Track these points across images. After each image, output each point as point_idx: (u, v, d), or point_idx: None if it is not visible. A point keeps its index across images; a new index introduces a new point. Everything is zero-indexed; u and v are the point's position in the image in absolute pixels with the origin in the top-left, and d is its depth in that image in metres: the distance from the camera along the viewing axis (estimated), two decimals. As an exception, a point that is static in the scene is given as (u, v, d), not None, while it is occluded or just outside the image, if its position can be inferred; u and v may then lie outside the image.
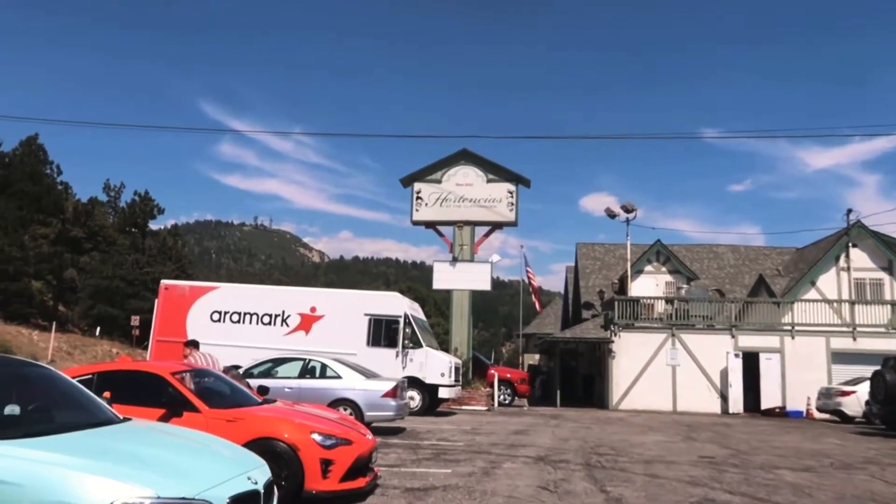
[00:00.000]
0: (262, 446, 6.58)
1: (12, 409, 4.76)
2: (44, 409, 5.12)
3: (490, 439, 13.45)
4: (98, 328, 41.35)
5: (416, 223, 25.60)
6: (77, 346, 35.24)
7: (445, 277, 24.65)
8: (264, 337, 18.51)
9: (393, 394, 13.14)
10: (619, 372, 25.73)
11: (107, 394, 6.40)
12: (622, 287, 31.68)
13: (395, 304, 18.92)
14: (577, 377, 31.65)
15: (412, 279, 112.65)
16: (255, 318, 19.15)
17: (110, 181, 58.25)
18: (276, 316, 19.15)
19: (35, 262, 45.15)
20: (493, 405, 22.64)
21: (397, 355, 18.14)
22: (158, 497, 3.89)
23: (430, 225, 25.58)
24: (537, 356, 44.85)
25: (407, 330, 18.31)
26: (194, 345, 10.96)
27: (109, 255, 49.72)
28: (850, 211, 29.69)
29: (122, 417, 5.40)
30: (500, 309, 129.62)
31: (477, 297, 29.23)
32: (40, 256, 46.28)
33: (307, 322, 19.03)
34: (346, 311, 18.81)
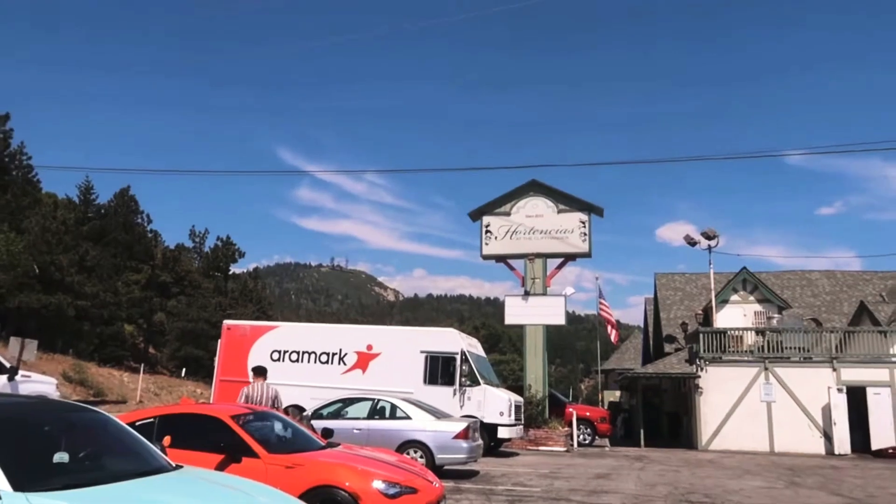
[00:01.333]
0: (322, 495, 6.28)
1: (61, 458, 4.57)
2: (94, 457, 4.93)
3: (570, 484, 12.66)
4: (184, 369, 42.73)
5: (486, 257, 25.15)
6: (164, 388, 36.43)
7: (518, 312, 23.99)
8: (322, 376, 18.45)
9: (465, 435, 12.60)
10: (708, 409, 24.16)
11: (167, 439, 6.24)
12: (706, 318, 30.05)
13: (451, 340, 18.50)
14: (661, 415, 30.03)
15: (486, 315, 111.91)
16: (313, 356, 19.18)
17: (195, 227, 60.70)
18: (334, 354, 19.10)
19: (127, 307, 47.33)
20: (572, 446, 21.64)
21: (454, 393, 17.63)
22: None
23: (501, 259, 25.08)
24: (618, 393, 43.11)
25: (464, 367, 17.82)
26: (260, 373, 10.78)
27: (195, 299, 51.63)
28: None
29: (173, 465, 5.16)
30: (577, 344, 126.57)
31: (552, 331, 28.35)
32: (132, 301, 48.50)
33: (364, 360, 18.85)
34: (403, 348, 18.53)
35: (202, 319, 47.32)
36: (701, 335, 25.44)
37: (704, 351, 24.85)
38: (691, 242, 29.01)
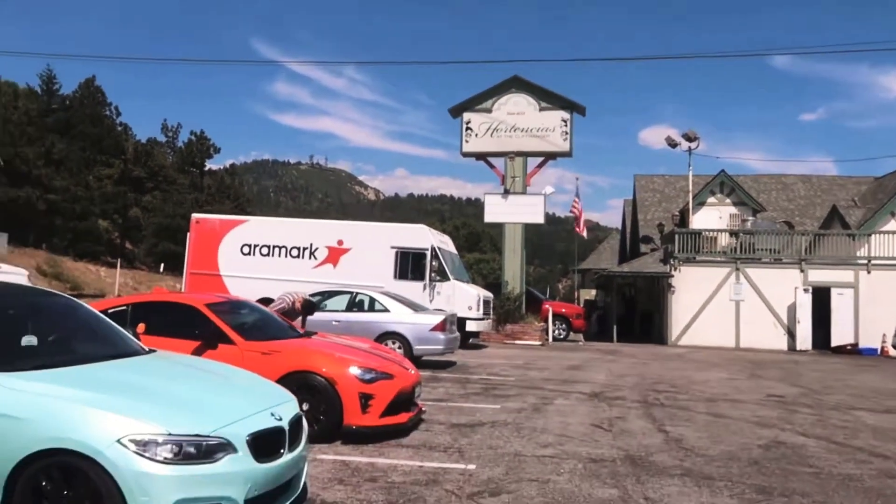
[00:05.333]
0: (298, 380, 6.33)
1: (29, 340, 4.50)
2: (63, 341, 4.86)
3: (543, 374, 13.06)
4: (162, 265, 42.61)
5: (465, 155, 24.78)
6: (142, 282, 36.42)
7: (497, 210, 23.95)
8: (293, 270, 18.51)
9: (442, 327, 12.81)
10: (680, 307, 24.84)
11: (141, 326, 6.17)
12: (683, 220, 30.36)
13: (421, 236, 18.54)
14: (634, 313, 30.87)
15: (467, 215, 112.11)
16: (283, 251, 19.17)
17: (167, 122, 58.97)
18: (304, 249, 19.11)
19: (101, 202, 46.53)
20: (547, 340, 22.25)
21: (424, 288, 17.84)
22: (169, 434, 3.57)
23: (481, 157, 24.74)
24: (594, 292, 44.09)
25: (434, 263, 17.96)
26: (309, 309, 10.26)
27: (170, 194, 50.83)
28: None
29: (146, 349, 5.12)
30: (556, 245, 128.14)
31: (531, 231, 28.51)
32: (105, 196, 47.63)
33: (335, 255, 18.89)
34: (373, 244, 18.56)
35: (178, 215, 46.69)
36: (676, 236, 25.75)
37: (679, 251, 25.23)
38: (672, 144, 28.83)
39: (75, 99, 49.82)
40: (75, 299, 5.62)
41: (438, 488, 5.16)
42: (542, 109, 24.18)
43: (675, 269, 25.09)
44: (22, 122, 37.29)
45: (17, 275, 13.70)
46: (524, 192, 23.97)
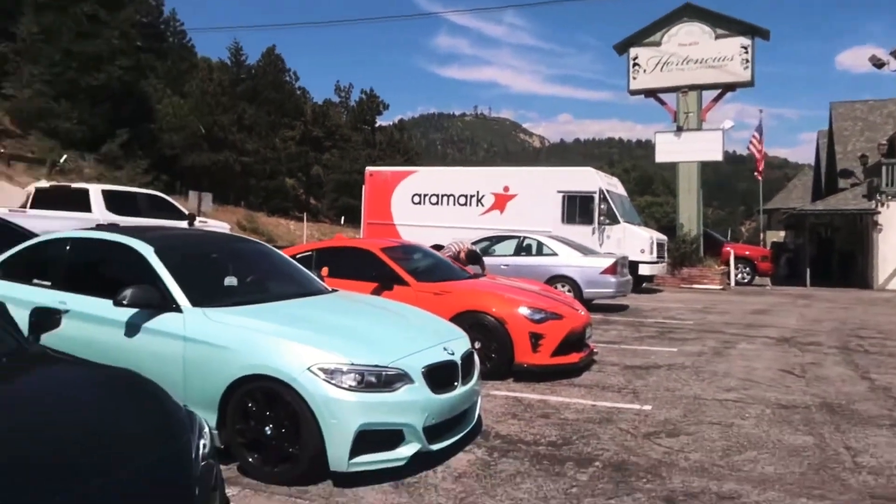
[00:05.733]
0: (469, 320, 6.47)
1: (230, 281, 5.02)
2: (258, 281, 5.36)
3: (723, 319, 12.30)
4: (342, 217, 45.58)
5: (633, 93, 23.44)
6: (326, 234, 39.24)
7: (670, 149, 22.54)
8: (461, 217, 18.86)
9: (613, 270, 12.45)
10: (888, 247, 22.02)
11: (324, 269, 6.66)
12: (892, 149, 26.64)
13: (588, 179, 17.89)
14: (831, 255, 27.89)
15: (637, 157, 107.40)
16: (451, 199, 19.61)
17: (340, 82, 62.00)
18: (471, 197, 19.38)
19: (286, 162, 50.47)
20: (728, 284, 20.89)
21: (593, 232, 17.28)
22: (352, 364, 3.82)
23: (650, 93, 23.26)
24: (782, 233, 40.47)
25: (602, 206, 17.30)
26: (475, 259, 10.58)
27: (346, 152, 53.86)
28: None
29: (329, 289, 5.49)
30: (738, 185, 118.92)
31: (708, 170, 26.64)
32: (289, 156, 51.54)
33: (501, 201, 18.92)
34: (539, 189, 18.28)
35: (354, 171, 49.42)
36: (884, 168, 22.72)
37: (887, 185, 22.27)
38: (878, 64, 25.10)
39: (259, 68, 53.85)
40: (268, 245, 6.15)
41: (612, 427, 5.08)
42: (718, 37, 22.16)
43: (883, 205, 22.22)
44: (217, 92, 41.13)
45: (220, 229, 15.31)
46: (699, 129, 22.31)
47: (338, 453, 3.70)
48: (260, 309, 4.44)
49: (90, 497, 2.19)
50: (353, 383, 3.78)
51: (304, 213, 40.97)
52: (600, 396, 6.03)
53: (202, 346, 4.02)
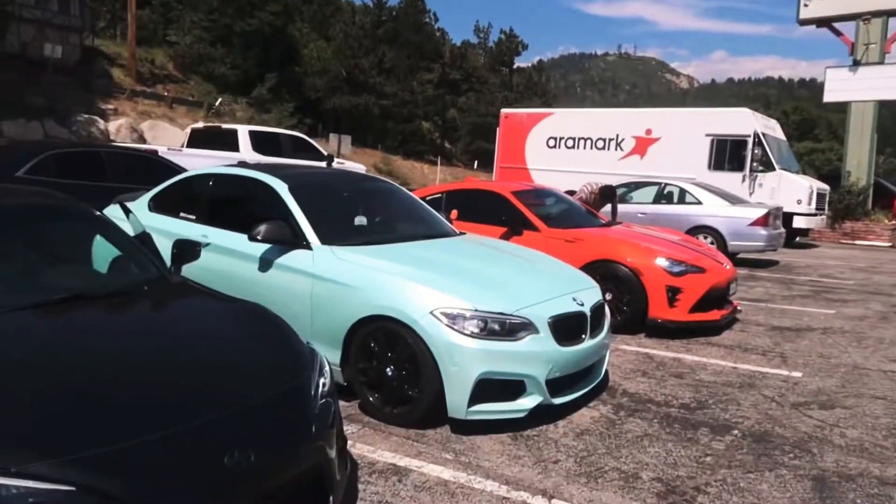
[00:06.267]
0: (601, 269, 6.17)
1: (360, 220, 5.04)
2: (387, 221, 5.36)
3: (893, 280, 11.00)
4: (476, 161, 45.56)
5: (803, 23, 21.03)
6: (459, 177, 39.47)
7: (842, 87, 20.13)
8: (598, 162, 17.96)
9: (763, 222, 11.42)
10: None
11: (454, 212, 6.56)
12: None
13: (742, 121, 16.24)
14: None
15: (799, 99, 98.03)
16: (588, 142, 18.73)
17: (479, 22, 61.13)
18: (610, 140, 18.37)
19: (423, 105, 50.92)
20: (899, 241, 18.73)
21: (744, 180, 15.80)
22: (475, 310, 3.71)
23: (823, 22, 20.75)
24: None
25: (756, 151, 15.70)
26: (608, 196, 10.23)
27: (482, 95, 53.38)
28: None
29: (458, 232, 5.39)
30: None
31: (885, 113, 23.70)
32: (426, 99, 51.94)
33: (642, 145, 17.77)
34: (685, 132, 16.92)
35: (490, 115, 49.00)
36: None
37: None
38: None
39: (400, 10, 54.16)
40: (398, 185, 6.13)
41: (755, 393, 4.66)
42: (912, -48, 19.26)
43: None
44: (359, 35, 41.91)
45: (357, 169, 15.73)
46: (881, 62, 19.73)
47: (457, 400, 3.63)
48: (387, 249, 4.42)
49: (214, 424, 2.27)
50: (476, 330, 3.67)
51: (438, 157, 41.35)
52: (742, 359, 5.56)
53: (329, 283, 4.07)
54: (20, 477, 1.86)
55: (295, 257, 4.27)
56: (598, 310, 4.36)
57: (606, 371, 4.60)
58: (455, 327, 3.65)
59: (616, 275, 6.26)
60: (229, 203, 5.08)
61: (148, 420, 2.17)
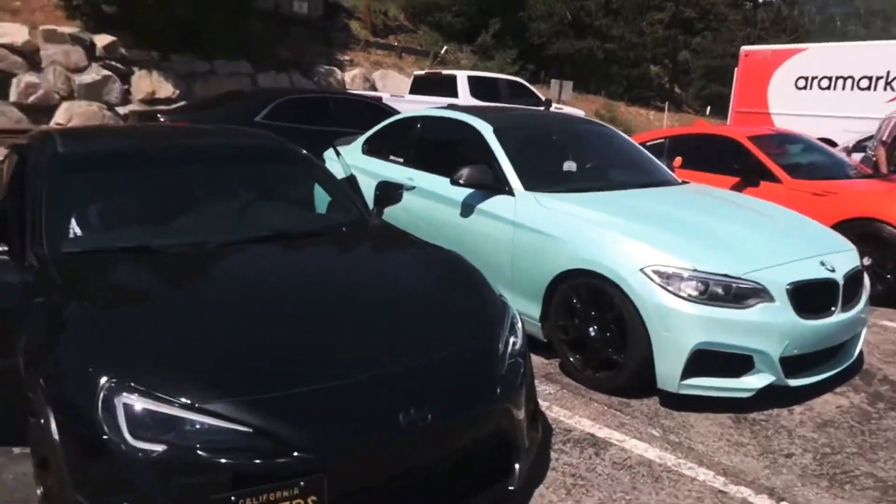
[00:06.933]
0: (858, 229, 5.18)
1: (569, 166, 4.68)
2: (599, 168, 4.91)
3: None
4: (708, 107, 41.93)
5: None
6: (687, 124, 36.73)
7: None
8: (858, 104, 15.07)
9: None
10: None
11: (678, 160, 5.92)
12: None
13: None
14: None
15: None
16: (848, 82, 15.80)
17: (720, -48, 55.16)
18: (878, 78, 15.28)
19: (652, 48, 47.73)
20: None
21: None
22: (695, 270, 3.22)
23: None
24: None
25: None
26: None
27: (720, 33, 48.62)
28: None
29: (679, 181, 4.80)
30: None
31: None
32: (656, 41, 48.53)
33: None
34: None
35: (727, 55, 44.36)
36: None
37: None
38: None
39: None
40: (614, 129, 5.62)
41: None
42: None
43: None
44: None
45: (575, 115, 15.15)
46: None
47: (668, 370, 3.20)
48: (595, 197, 4.03)
49: (393, 378, 2.17)
50: (695, 293, 3.18)
51: (666, 103, 38.63)
52: None
53: (530, 232, 3.80)
54: (203, 413, 1.88)
55: (496, 203, 4.05)
56: (853, 277, 3.60)
57: (861, 352, 3.83)
58: (669, 288, 3.20)
59: (879, 236, 5.21)
60: (435, 146, 5.00)
61: (325, 368, 2.12)
